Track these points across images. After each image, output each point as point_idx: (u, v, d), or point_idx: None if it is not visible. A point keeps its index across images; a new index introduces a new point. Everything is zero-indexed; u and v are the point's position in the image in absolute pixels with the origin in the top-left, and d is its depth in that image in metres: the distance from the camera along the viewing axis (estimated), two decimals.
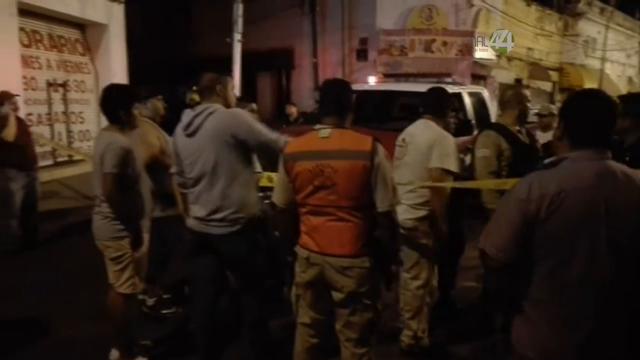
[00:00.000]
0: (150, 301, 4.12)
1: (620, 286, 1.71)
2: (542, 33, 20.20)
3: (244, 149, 2.88)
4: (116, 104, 3.21)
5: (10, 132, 5.48)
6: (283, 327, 3.59)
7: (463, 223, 4.05)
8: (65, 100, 10.57)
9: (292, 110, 9.71)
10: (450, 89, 6.95)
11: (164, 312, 4.13)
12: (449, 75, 8.15)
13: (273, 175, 3.75)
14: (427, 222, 3.38)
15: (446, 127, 3.50)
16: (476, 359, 3.64)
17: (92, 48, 11.32)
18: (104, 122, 3.34)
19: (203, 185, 2.90)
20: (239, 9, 10.75)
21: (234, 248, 2.94)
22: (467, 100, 7.05)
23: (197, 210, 2.96)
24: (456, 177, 3.47)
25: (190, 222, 3.02)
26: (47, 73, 10.13)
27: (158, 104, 4.14)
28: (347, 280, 2.45)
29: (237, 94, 6.36)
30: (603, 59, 23.87)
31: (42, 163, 7.72)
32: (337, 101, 2.58)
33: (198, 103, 3.01)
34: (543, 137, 5.02)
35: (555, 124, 2.60)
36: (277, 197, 2.65)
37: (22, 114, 6.66)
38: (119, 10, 11.20)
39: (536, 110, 6.50)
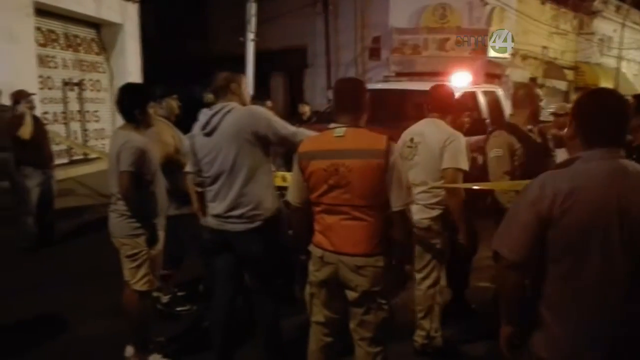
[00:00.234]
0: (165, 298, 4.15)
1: (637, 286, 1.69)
2: (557, 31, 19.99)
3: (263, 145, 2.89)
4: (132, 103, 3.24)
5: (27, 131, 5.55)
6: (295, 326, 3.61)
7: (476, 223, 4.02)
8: (80, 99, 10.69)
9: (305, 110, 9.70)
10: (465, 88, 6.94)
11: (178, 309, 4.15)
12: None
13: (287, 174, 3.77)
14: (440, 222, 3.38)
15: (453, 124, 3.48)
16: (491, 358, 3.61)
17: (107, 47, 11.43)
18: (119, 120, 3.37)
19: (221, 183, 2.92)
20: (252, 9, 10.78)
21: (250, 245, 2.95)
22: (482, 99, 7.00)
23: (215, 207, 2.97)
24: (466, 175, 3.46)
25: (208, 220, 3.04)
26: (63, 72, 10.25)
27: (173, 103, 4.17)
28: (362, 279, 2.45)
29: (250, 92, 6.37)
30: (619, 58, 23.55)
31: (57, 161, 7.79)
32: (352, 100, 2.58)
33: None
34: None
35: None
36: (292, 196, 2.65)
37: (38, 112, 6.75)
38: (133, 10, 11.29)
39: (552, 110, 6.44)
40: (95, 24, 11.06)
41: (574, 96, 20.61)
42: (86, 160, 10.42)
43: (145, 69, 11.61)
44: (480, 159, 3.98)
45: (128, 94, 3.28)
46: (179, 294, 4.27)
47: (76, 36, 10.70)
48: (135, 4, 11.31)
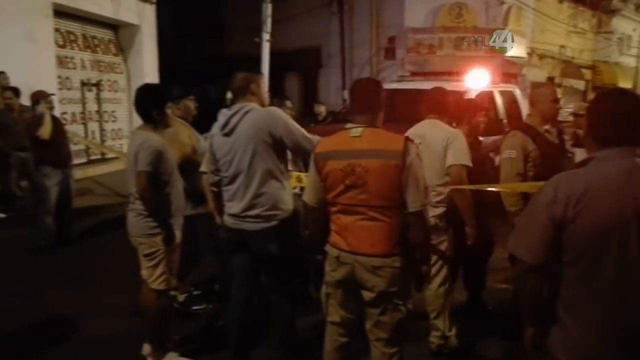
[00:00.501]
0: (181, 297, 4.18)
1: None
2: (574, 30, 19.75)
3: (280, 147, 2.90)
4: (149, 103, 3.27)
5: (46, 131, 5.62)
6: (311, 325, 3.61)
7: (491, 223, 3.99)
8: (98, 100, 10.83)
9: (321, 110, 9.70)
10: (481, 87, 6.88)
11: (194, 308, 4.18)
12: None
13: (302, 175, 3.78)
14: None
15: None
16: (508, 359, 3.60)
17: (124, 48, 11.56)
18: (136, 120, 3.40)
19: (239, 183, 2.93)
20: (267, 9, 10.81)
21: (266, 244, 2.96)
22: (499, 99, 6.94)
23: (233, 207, 2.99)
24: (484, 175, 3.44)
25: (226, 220, 3.06)
26: (81, 73, 10.39)
27: (190, 103, 4.20)
28: (378, 280, 2.44)
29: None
30: (638, 57, 23.20)
31: (76, 161, 7.91)
32: (368, 100, 2.57)
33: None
34: None
35: None
36: (308, 196, 2.65)
37: (57, 112, 6.84)
38: (150, 11, 11.40)
39: (570, 109, 6.37)
40: (112, 25, 11.19)
41: (591, 96, 20.33)
42: (104, 160, 10.55)
43: (162, 69, 11.72)
44: (497, 159, 3.95)
45: (146, 94, 3.31)
46: (195, 293, 4.30)
47: (94, 37, 10.83)
48: (152, 5, 11.42)
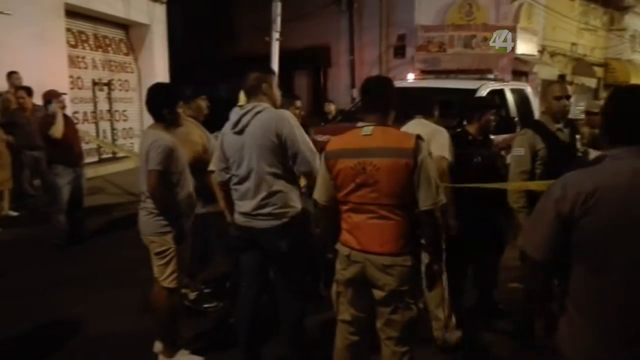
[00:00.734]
0: (192, 295, 4.20)
1: None
2: (586, 28, 19.57)
3: (285, 149, 2.90)
4: (161, 102, 3.28)
5: (58, 130, 5.67)
6: (321, 323, 3.62)
7: (502, 222, 3.97)
8: (109, 99, 10.90)
9: (331, 109, 9.69)
10: (492, 85, 6.86)
11: (205, 306, 4.20)
12: (489, 71, 8.00)
13: None
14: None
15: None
16: (519, 359, 3.57)
17: (135, 48, 11.62)
18: (147, 120, 3.42)
19: (250, 183, 2.94)
20: (277, 8, 10.82)
21: (276, 242, 2.96)
22: (510, 97, 6.90)
23: (243, 205, 3.00)
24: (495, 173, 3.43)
25: (236, 218, 3.07)
26: (93, 72, 10.46)
27: (202, 103, 4.21)
28: (389, 279, 2.44)
29: None
30: None
31: (87, 160, 7.96)
32: (380, 98, 2.57)
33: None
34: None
35: None
36: (319, 194, 2.66)
37: (68, 112, 6.91)
38: (161, 11, 11.46)
39: (581, 107, 6.33)
40: (123, 25, 11.26)
41: (603, 94, 20.17)
42: (115, 159, 10.63)
43: (172, 69, 11.77)
44: (508, 158, 3.94)
45: (157, 93, 3.32)
46: (206, 290, 4.32)
47: (105, 37, 10.90)
48: (163, 5, 11.48)
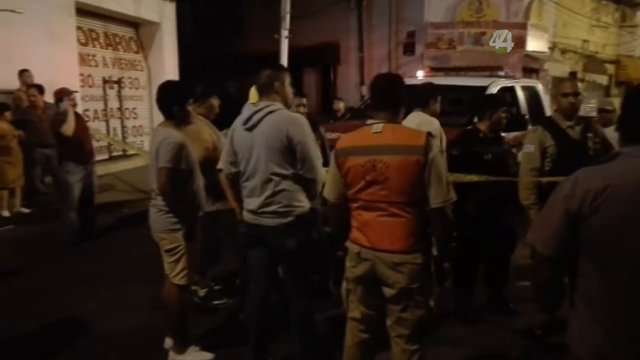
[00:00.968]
0: (202, 292, 4.22)
1: None
2: (597, 24, 19.38)
3: (294, 152, 2.90)
4: (171, 100, 3.29)
5: (70, 127, 5.71)
6: (331, 321, 3.62)
7: (513, 220, 3.95)
8: (119, 97, 10.95)
9: (340, 106, 9.68)
10: (503, 82, 6.82)
11: (215, 303, 4.22)
12: (500, 68, 7.95)
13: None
14: None
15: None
16: (530, 358, 3.55)
17: (145, 46, 11.67)
18: (157, 117, 3.43)
19: (257, 180, 2.95)
20: (286, 6, 10.81)
21: (283, 240, 2.97)
22: (520, 94, 6.85)
23: (251, 203, 3.01)
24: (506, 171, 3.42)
25: (244, 215, 3.08)
26: (103, 70, 10.52)
27: (214, 102, 4.22)
28: (399, 276, 2.43)
29: None
30: None
31: (98, 157, 8.02)
32: (390, 96, 2.56)
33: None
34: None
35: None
36: (329, 192, 2.66)
37: (79, 109, 6.96)
38: (170, 9, 11.49)
39: (592, 104, 6.27)
40: (134, 23, 11.31)
41: (615, 91, 20.00)
42: (125, 156, 10.68)
43: (181, 66, 11.81)
44: (519, 155, 3.93)
45: (167, 91, 3.33)
46: (216, 287, 4.33)
47: (115, 35, 10.96)
48: (173, 3, 11.51)
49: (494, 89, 6.42)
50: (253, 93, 3.49)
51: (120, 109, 10.98)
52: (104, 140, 10.01)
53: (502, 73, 7.44)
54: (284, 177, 2.90)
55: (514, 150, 4.55)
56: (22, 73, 7.58)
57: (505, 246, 3.93)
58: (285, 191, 2.91)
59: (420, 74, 8.03)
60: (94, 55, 10.27)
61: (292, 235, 2.96)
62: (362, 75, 14.80)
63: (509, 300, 4.09)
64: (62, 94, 5.91)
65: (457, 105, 6.35)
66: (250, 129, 2.93)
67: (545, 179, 3.47)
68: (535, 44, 14.02)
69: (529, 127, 5.76)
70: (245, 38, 15.72)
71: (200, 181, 3.41)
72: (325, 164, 3.10)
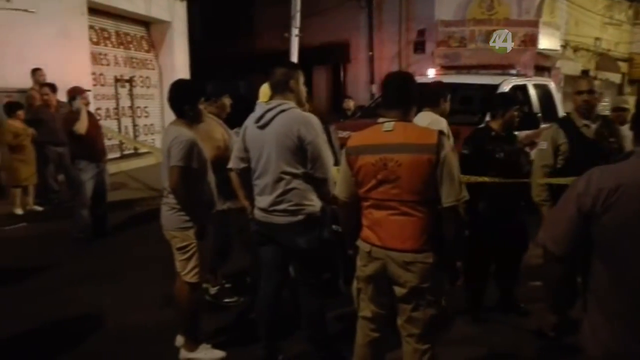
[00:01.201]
0: (213, 290, 4.24)
1: None
2: (610, 22, 19.18)
3: (306, 152, 2.90)
4: (182, 98, 3.30)
5: (82, 126, 5.75)
6: (341, 318, 3.63)
7: (525, 219, 3.93)
8: (131, 96, 11.03)
9: (350, 105, 9.67)
10: (515, 81, 6.77)
11: (226, 300, 4.23)
12: (511, 66, 7.89)
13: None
14: None
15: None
16: (540, 358, 3.53)
17: (156, 45, 11.74)
18: (168, 116, 3.45)
19: (267, 178, 2.96)
20: (297, 4, 10.81)
21: (294, 238, 2.98)
22: (532, 93, 6.80)
23: (262, 201, 3.02)
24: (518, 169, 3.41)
25: (255, 213, 3.09)
26: (115, 69, 10.59)
27: (226, 101, 4.24)
28: (410, 276, 2.42)
29: None
30: None
31: (110, 156, 8.07)
32: (401, 94, 2.55)
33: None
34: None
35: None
36: (340, 190, 2.65)
37: (91, 108, 7.00)
38: (181, 8, 11.54)
39: (606, 103, 6.21)
40: (145, 22, 11.37)
41: (628, 89, 19.79)
42: (137, 154, 10.75)
43: (192, 65, 11.85)
44: (532, 154, 3.91)
45: (179, 90, 3.35)
46: (227, 285, 4.35)
47: (127, 34, 11.03)
48: (183, 2, 11.56)
49: (505, 87, 6.38)
50: (264, 91, 3.50)
51: (131, 107, 11.05)
52: (116, 138, 10.08)
53: (513, 71, 7.39)
54: (295, 176, 2.91)
55: (526, 149, 4.51)
56: (35, 72, 7.65)
57: (517, 245, 3.90)
58: (295, 190, 2.92)
59: (431, 72, 8.00)
60: (105, 54, 10.34)
61: (302, 234, 2.96)
62: (372, 73, 14.76)
63: (519, 300, 4.06)
64: (75, 93, 5.95)
65: (469, 104, 6.32)
66: (262, 127, 2.94)
67: (554, 180, 3.46)
68: (547, 42, 13.90)
69: (541, 125, 5.73)
70: (255, 37, 15.74)
71: (211, 180, 3.42)
72: (335, 163, 3.11)
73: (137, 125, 11.21)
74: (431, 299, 2.47)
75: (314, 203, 2.98)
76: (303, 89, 3.05)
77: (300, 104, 3.02)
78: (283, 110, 2.90)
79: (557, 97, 7.53)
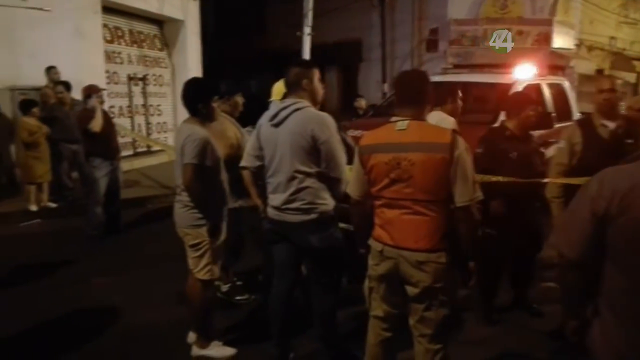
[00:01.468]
0: (225, 287, 4.25)
1: None
2: (625, 21, 18.96)
3: (319, 151, 2.90)
4: (196, 97, 3.31)
5: (98, 124, 5.79)
6: (352, 318, 3.62)
7: (540, 220, 3.90)
8: (144, 94, 11.10)
9: (362, 104, 9.64)
10: (529, 80, 6.69)
11: (237, 298, 4.25)
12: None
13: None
14: None
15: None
16: (553, 359, 3.51)
17: (169, 43, 11.80)
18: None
19: (280, 176, 2.96)
20: (309, 3, 10.81)
21: (306, 237, 2.98)
22: (547, 92, 6.73)
23: (275, 199, 3.02)
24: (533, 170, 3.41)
25: (268, 211, 3.10)
26: (128, 67, 10.66)
27: (239, 100, 4.25)
28: (423, 275, 2.41)
29: None
30: None
31: (123, 153, 8.12)
32: (415, 92, 2.53)
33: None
34: None
35: None
36: (352, 189, 2.65)
37: (105, 106, 7.04)
38: (194, 7, 11.59)
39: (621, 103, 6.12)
40: (158, 21, 11.43)
41: None
42: (149, 152, 10.81)
43: (205, 64, 11.89)
44: (547, 154, 3.88)
45: (193, 88, 3.36)
46: (238, 283, 4.37)
47: (140, 32, 11.09)
48: (196, 0, 11.60)
49: (519, 86, 6.32)
50: (277, 90, 3.50)
51: (144, 105, 11.12)
52: (129, 136, 10.15)
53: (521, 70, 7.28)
54: (308, 174, 2.91)
55: (541, 149, 4.47)
56: (49, 70, 7.72)
57: (531, 246, 3.87)
58: (309, 188, 2.92)
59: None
60: (119, 53, 10.41)
61: (315, 232, 2.97)
62: (384, 72, 14.73)
63: (532, 301, 4.03)
64: (91, 91, 5.99)
65: (482, 103, 6.27)
66: (276, 125, 2.95)
67: (565, 180, 3.44)
68: (561, 40, 13.74)
69: (555, 125, 5.68)
70: (268, 35, 15.77)
71: (224, 177, 3.43)
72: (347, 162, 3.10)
73: (150, 123, 11.28)
74: (444, 299, 2.45)
75: (327, 202, 2.98)
76: (319, 87, 3.04)
77: (315, 102, 3.02)
78: (297, 109, 2.91)
79: (572, 96, 7.45)
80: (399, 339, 2.69)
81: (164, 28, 11.68)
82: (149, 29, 11.35)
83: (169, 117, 11.67)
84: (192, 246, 3.31)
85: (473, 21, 13.44)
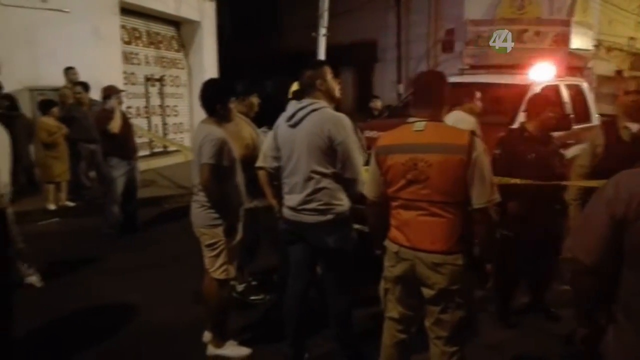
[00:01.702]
0: (240, 287, 4.27)
1: None
2: None
3: (336, 152, 2.90)
4: (214, 97, 3.34)
5: (116, 125, 5.86)
6: (368, 319, 3.61)
7: (559, 222, 3.85)
8: (161, 94, 11.19)
9: (377, 105, 9.62)
10: (547, 81, 6.62)
11: (252, 298, 4.27)
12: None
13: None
14: None
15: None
16: None
17: (185, 44, 11.88)
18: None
19: (297, 177, 2.97)
20: (324, 4, 10.81)
21: (322, 237, 2.98)
22: (565, 93, 6.65)
23: (291, 200, 3.03)
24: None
25: (284, 211, 3.11)
26: (145, 68, 10.76)
27: (254, 100, 4.27)
28: (439, 277, 2.40)
29: None
30: None
31: (140, 153, 8.19)
32: (432, 93, 2.52)
33: (297, 96, 3.06)
34: None
35: None
36: (368, 190, 2.65)
37: (123, 107, 7.11)
38: (211, 8, 11.65)
39: None
40: (175, 22, 11.52)
41: None
42: (166, 152, 10.90)
43: (221, 65, 11.95)
44: (568, 154, 3.85)
45: (211, 89, 3.38)
46: (253, 283, 4.38)
47: (157, 34, 11.19)
48: (213, 2, 11.66)
49: (537, 88, 6.25)
50: (295, 90, 3.50)
51: (161, 106, 11.22)
52: (146, 136, 10.24)
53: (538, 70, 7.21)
54: (325, 175, 2.91)
55: (561, 150, 4.42)
56: (68, 71, 7.82)
57: (549, 249, 3.83)
58: (325, 189, 2.92)
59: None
60: (136, 54, 10.51)
61: (331, 233, 2.97)
62: (399, 73, 14.67)
63: (550, 304, 3.99)
64: (111, 92, 6.05)
65: (500, 104, 6.21)
66: (293, 126, 2.96)
67: (583, 183, 3.40)
68: (579, 41, 13.56)
69: (573, 127, 5.61)
70: (283, 36, 15.78)
71: (240, 178, 3.45)
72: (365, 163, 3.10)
73: (166, 124, 11.37)
74: (460, 302, 2.44)
75: (343, 202, 2.98)
76: (333, 83, 3.05)
77: (332, 99, 3.03)
78: (314, 110, 2.91)
79: (590, 97, 7.36)
80: (415, 341, 2.68)
81: (181, 29, 11.77)
82: (166, 30, 11.44)
83: (185, 117, 11.75)
84: (208, 246, 3.33)
85: (489, 22, 13.32)
